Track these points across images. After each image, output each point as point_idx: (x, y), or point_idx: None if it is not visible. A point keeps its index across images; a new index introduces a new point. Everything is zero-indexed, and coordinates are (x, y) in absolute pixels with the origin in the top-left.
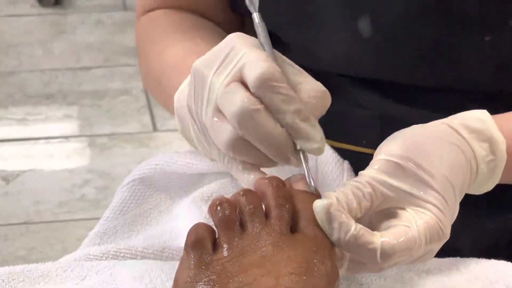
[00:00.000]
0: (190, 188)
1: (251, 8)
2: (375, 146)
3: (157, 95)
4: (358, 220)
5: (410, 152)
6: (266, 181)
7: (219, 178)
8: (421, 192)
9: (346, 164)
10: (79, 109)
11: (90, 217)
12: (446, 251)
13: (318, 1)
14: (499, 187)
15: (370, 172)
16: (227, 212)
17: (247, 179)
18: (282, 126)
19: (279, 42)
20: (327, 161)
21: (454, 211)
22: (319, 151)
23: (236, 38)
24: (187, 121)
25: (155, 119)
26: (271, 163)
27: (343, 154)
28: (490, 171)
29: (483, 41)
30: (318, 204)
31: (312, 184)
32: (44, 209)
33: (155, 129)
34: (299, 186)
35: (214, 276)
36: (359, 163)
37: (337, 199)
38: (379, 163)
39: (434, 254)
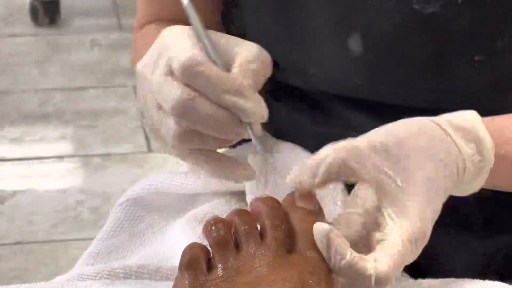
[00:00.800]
0: (183, 209)
1: None
2: None
3: None
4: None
5: (398, 145)
6: (262, 201)
7: (212, 198)
8: (403, 183)
9: (340, 184)
10: (74, 129)
11: (84, 237)
12: (439, 272)
13: (308, 21)
14: (490, 208)
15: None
16: (221, 232)
17: (210, 170)
18: (220, 106)
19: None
20: None
21: (436, 210)
22: (258, 118)
23: (167, 33)
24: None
25: (149, 140)
26: (225, 142)
27: None
28: (476, 171)
29: (473, 60)
30: (317, 228)
31: (262, 152)
32: (38, 229)
33: (149, 149)
34: (302, 202)
35: None
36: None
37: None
38: (363, 140)
39: None
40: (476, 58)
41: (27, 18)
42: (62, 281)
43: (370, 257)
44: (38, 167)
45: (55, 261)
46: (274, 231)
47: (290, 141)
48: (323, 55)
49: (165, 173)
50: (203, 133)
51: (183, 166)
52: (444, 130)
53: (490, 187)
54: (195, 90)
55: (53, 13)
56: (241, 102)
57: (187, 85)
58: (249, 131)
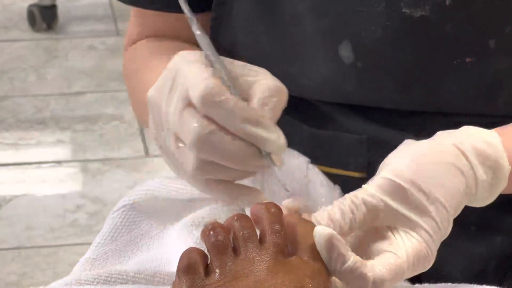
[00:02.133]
0: (181, 214)
1: (190, 21)
2: (363, 169)
3: (147, 124)
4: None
5: (415, 175)
6: (263, 206)
7: (209, 203)
8: (418, 218)
9: (337, 189)
10: (72, 134)
11: (82, 242)
12: (435, 276)
13: (298, 33)
14: (484, 210)
15: (371, 188)
16: (220, 237)
17: (227, 197)
18: (240, 138)
19: None
20: (318, 186)
21: (445, 233)
22: (279, 149)
23: (179, 59)
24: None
25: (147, 144)
26: (245, 174)
27: (332, 178)
28: (489, 192)
29: (465, 63)
30: (319, 232)
31: (286, 188)
32: (36, 234)
33: (147, 154)
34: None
35: None
36: (348, 187)
37: (331, 220)
38: (382, 181)
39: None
40: (468, 60)
41: (24, 23)
42: (60, 286)
43: (370, 262)
44: (35, 172)
45: (53, 266)
46: (274, 236)
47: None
48: (314, 65)
49: (162, 178)
50: (222, 165)
51: None
52: (466, 157)
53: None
54: (214, 121)
55: (51, 18)
56: (262, 132)
57: (205, 116)
58: (270, 162)
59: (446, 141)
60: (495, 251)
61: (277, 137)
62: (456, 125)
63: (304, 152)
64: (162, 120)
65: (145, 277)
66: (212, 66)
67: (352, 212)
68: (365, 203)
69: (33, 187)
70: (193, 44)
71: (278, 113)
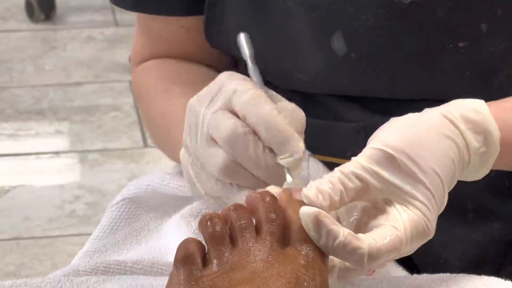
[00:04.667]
0: (180, 207)
1: (244, 56)
2: None
3: (164, 148)
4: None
5: (404, 143)
6: (258, 195)
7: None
8: (411, 188)
9: None
10: (70, 125)
11: (80, 233)
12: (434, 262)
13: (290, 28)
14: (484, 198)
15: (361, 159)
16: (217, 227)
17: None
18: (266, 147)
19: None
20: (319, 176)
21: (441, 205)
22: (297, 165)
23: (226, 75)
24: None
25: (145, 135)
26: (264, 184)
27: (329, 167)
28: (482, 161)
29: (458, 47)
30: (304, 211)
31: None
32: (34, 225)
33: (145, 145)
34: (298, 195)
35: None
36: None
37: (319, 192)
38: (371, 151)
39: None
40: (461, 44)
41: (22, 14)
42: (58, 277)
43: (364, 236)
44: (34, 163)
45: (51, 256)
46: (270, 225)
47: None
48: (308, 59)
49: (163, 173)
50: (246, 171)
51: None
52: (455, 125)
53: (494, 168)
54: (249, 126)
55: (49, 9)
56: (289, 147)
57: (243, 119)
58: (287, 176)
59: (433, 112)
60: (493, 238)
61: (300, 149)
62: None
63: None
64: (197, 122)
65: (143, 267)
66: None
67: (342, 182)
68: (354, 174)
69: (31, 178)
70: (201, 62)
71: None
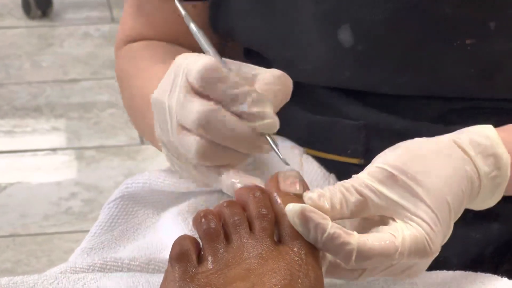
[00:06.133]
0: (177, 204)
1: (186, 19)
2: (360, 155)
3: (142, 130)
4: (351, 226)
5: (407, 164)
6: (247, 190)
7: (206, 193)
8: (411, 205)
9: (332, 177)
10: (67, 121)
11: (76, 230)
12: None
13: (296, 17)
14: None
15: (362, 176)
16: (211, 224)
17: (227, 184)
18: (240, 117)
19: (260, 59)
20: (313, 175)
21: (447, 229)
22: (272, 127)
23: (179, 58)
24: (168, 155)
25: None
26: (243, 157)
27: (329, 164)
28: (494, 187)
29: (465, 44)
30: (290, 209)
31: (287, 162)
32: (31, 222)
33: (142, 142)
34: (286, 186)
35: None
36: (344, 173)
37: (321, 195)
38: (372, 169)
39: (422, 270)
40: (468, 41)
41: (19, 10)
42: (55, 274)
43: (357, 234)
44: (30, 159)
45: (48, 253)
46: (261, 221)
47: (281, 129)
48: (312, 49)
49: (159, 171)
50: (224, 148)
51: None
52: (464, 150)
53: (507, 194)
54: (216, 101)
55: (45, 5)
56: (263, 111)
57: (207, 97)
58: (271, 143)
59: (442, 137)
60: (492, 238)
61: (273, 118)
62: (455, 111)
63: (301, 138)
64: (164, 113)
65: (140, 264)
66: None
67: (343, 194)
68: (355, 188)
69: (28, 175)
70: (191, 48)
71: (281, 101)
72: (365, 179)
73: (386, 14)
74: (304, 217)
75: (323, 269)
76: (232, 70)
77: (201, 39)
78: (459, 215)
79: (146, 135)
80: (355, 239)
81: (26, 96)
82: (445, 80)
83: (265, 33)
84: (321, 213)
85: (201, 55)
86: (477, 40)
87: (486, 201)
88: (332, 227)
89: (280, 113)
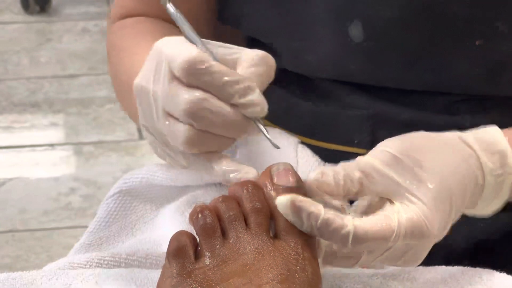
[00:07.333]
0: (175, 199)
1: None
2: (366, 145)
3: (126, 108)
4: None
5: (411, 149)
6: (240, 185)
7: (205, 188)
8: (413, 186)
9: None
10: (65, 117)
11: (75, 226)
12: (439, 246)
13: (306, 9)
14: None
15: (365, 158)
16: (208, 219)
17: (219, 173)
18: (227, 103)
19: (267, 48)
20: (309, 167)
21: (447, 215)
22: (262, 112)
23: (161, 44)
24: (151, 140)
25: (141, 128)
26: (230, 142)
27: (335, 155)
28: (498, 185)
29: (474, 45)
30: (280, 202)
31: (277, 145)
32: (30, 217)
33: (141, 137)
34: (280, 180)
35: (196, 285)
36: None
37: (324, 173)
38: (375, 152)
39: (420, 257)
40: (477, 42)
41: (17, 6)
42: (54, 270)
43: (351, 218)
44: (29, 155)
45: (47, 249)
46: (256, 216)
47: (285, 120)
48: (320, 41)
49: (156, 165)
50: (212, 134)
51: None
52: (468, 144)
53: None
54: (202, 90)
55: (44, 1)
56: (252, 98)
57: (192, 85)
58: (260, 127)
59: (447, 132)
60: (497, 225)
61: (262, 102)
62: (461, 104)
63: (305, 128)
64: (149, 101)
65: (137, 258)
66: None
67: (345, 172)
68: (358, 167)
69: (26, 170)
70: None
71: (265, 82)
72: (368, 159)
73: (398, 13)
74: (296, 207)
75: (319, 260)
76: (213, 53)
77: (180, 22)
78: (462, 209)
79: (129, 113)
80: (350, 221)
81: (24, 92)
82: (452, 78)
83: (274, 22)
84: (312, 201)
85: (182, 42)
86: (486, 41)
87: (490, 204)
88: (326, 213)
89: (283, 105)
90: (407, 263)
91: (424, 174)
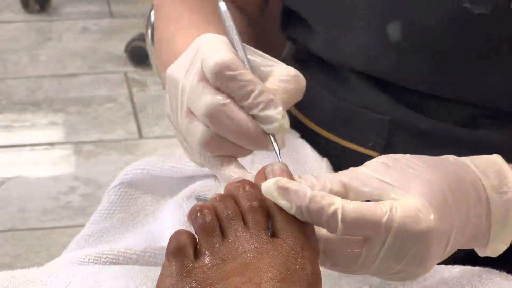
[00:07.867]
0: (176, 190)
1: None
2: (380, 149)
3: (161, 66)
4: None
5: (402, 159)
6: (237, 184)
7: (204, 179)
8: (403, 182)
9: (325, 161)
10: (65, 116)
11: (75, 225)
12: None
13: (350, 1)
14: None
15: (358, 168)
16: (207, 218)
17: (225, 176)
18: (248, 113)
19: (304, 24)
20: (307, 160)
21: (448, 209)
22: (284, 132)
23: (201, 39)
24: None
25: (141, 126)
26: (247, 151)
27: (347, 153)
28: (505, 203)
29: (508, 61)
30: (264, 186)
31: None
32: (29, 216)
33: (141, 136)
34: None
35: (196, 284)
36: (360, 164)
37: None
38: (368, 163)
39: (423, 258)
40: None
41: (17, 5)
42: (54, 267)
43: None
44: (29, 154)
45: (47, 248)
46: (254, 215)
47: (307, 109)
48: (358, 34)
49: (156, 156)
50: (228, 141)
51: (179, 150)
52: (463, 163)
53: None
54: (227, 95)
55: (44, 0)
56: (270, 112)
57: (219, 90)
58: (273, 144)
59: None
60: None
61: (284, 120)
62: (483, 117)
63: (325, 122)
64: (177, 92)
65: (135, 252)
66: (234, 48)
67: (333, 175)
68: (340, 180)
69: (26, 169)
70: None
71: (291, 101)
72: (361, 168)
73: (441, 21)
74: (282, 188)
75: (320, 255)
76: (249, 61)
77: (227, 22)
78: (471, 216)
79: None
80: (339, 200)
81: (24, 91)
82: (483, 89)
83: (313, 4)
84: (296, 182)
85: (221, 44)
86: None
87: (504, 230)
88: (311, 190)
89: (306, 94)
90: (411, 265)
91: (415, 172)
